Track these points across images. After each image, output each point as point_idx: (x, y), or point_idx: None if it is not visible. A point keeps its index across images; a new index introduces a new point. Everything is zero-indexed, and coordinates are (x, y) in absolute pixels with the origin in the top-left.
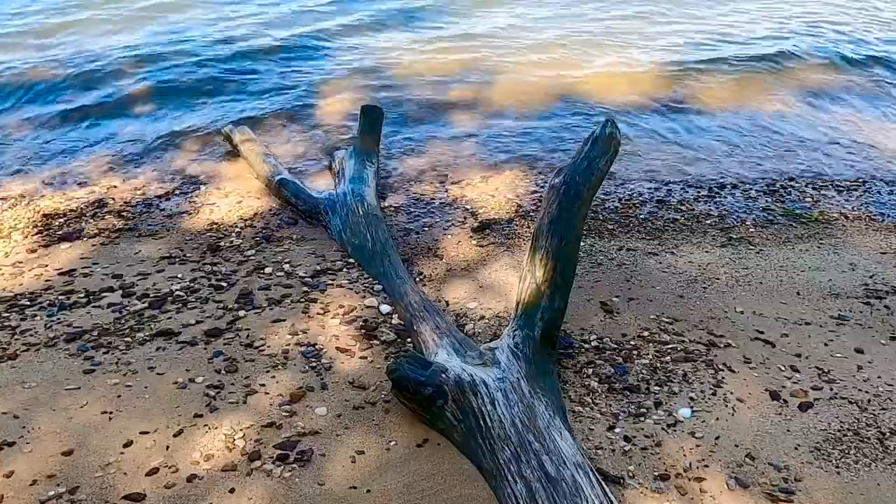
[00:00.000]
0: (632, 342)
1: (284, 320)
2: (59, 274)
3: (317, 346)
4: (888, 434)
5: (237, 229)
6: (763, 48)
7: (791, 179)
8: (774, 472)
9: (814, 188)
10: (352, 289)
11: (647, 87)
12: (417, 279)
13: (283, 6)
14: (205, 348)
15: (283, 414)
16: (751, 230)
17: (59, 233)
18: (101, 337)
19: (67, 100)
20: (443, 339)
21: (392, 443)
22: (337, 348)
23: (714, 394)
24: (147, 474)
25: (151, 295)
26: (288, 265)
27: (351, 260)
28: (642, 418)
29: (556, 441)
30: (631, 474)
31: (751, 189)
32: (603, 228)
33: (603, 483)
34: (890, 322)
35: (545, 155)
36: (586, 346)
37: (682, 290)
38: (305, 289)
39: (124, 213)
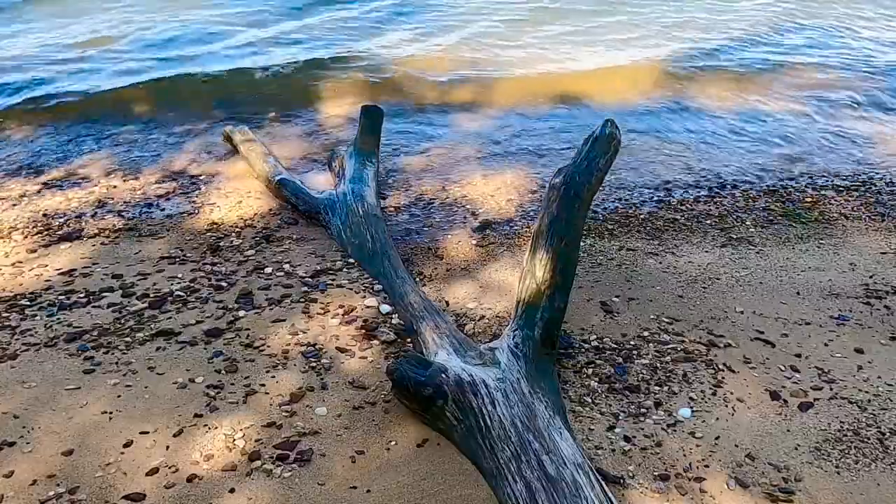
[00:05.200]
0: (632, 342)
1: (284, 320)
2: (59, 274)
3: (317, 346)
4: (888, 434)
5: (237, 229)
6: (763, 48)
7: (791, 179)
8: (774, 472)
9: (814, 188)
10: (352, 289)
11: (647, 86)
12: (417, 279)
13: (283, 6)
14: (205, 348)
15: (283, 414)
16: (751, 230)
17: (59, 233)
18: (101, 337)
19: (67, 99)
20: (443, 338)
21: (392, 443)
22: (337, 348)
23: (714, 394)
24: (147, 474)
25: (151, 295)
26: (288, 265)
27: (351, 260)
28: (642, 418)
29: (556, 441)
30: (631, 474)
31: (751, 189)
32: (603, 228)
33: (603, 483)
34: (890, 322)
35: (545, 155)
36: (586, 346)
37: (682, 290)
38: (305, 289)
39: (124, 213)
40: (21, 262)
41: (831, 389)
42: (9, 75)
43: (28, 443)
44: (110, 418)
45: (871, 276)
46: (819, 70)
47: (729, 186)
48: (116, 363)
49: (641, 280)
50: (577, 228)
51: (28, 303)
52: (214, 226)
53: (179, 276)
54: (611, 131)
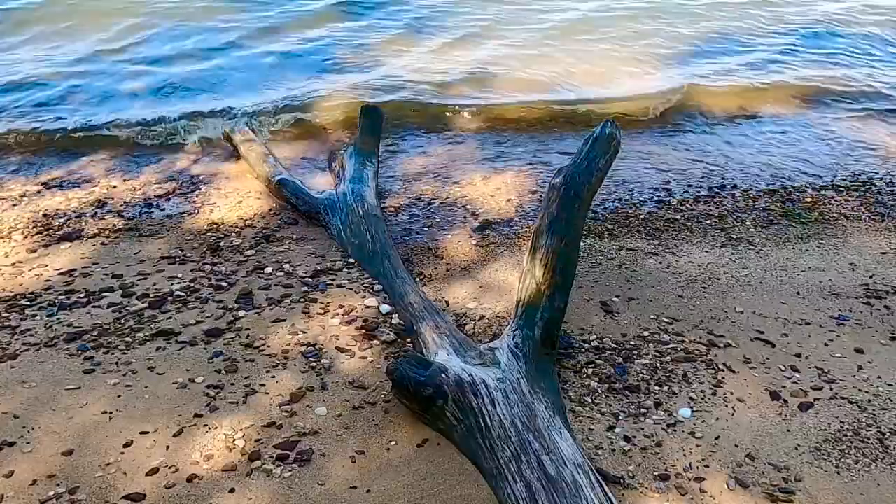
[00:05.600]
0: (632, 342)
1: (284, 320)
2: (59, 274)
3: (317, 346)
4: (888, 434)
5: (237, 229)
6: (764, 48)
7: (791, 179)
8: (774, 472)
9: (814, 188)
10: (352, 289)
11: (647, 87)
12: (417, 279)
13: (284, 8)
14: (205, 348)
15: (283, 414)
16: (751, 230)
17: (59, 233)
18: (101, 337)
19: (66, 99)
20: (443, 338)
21: (392, 443)
22: (337, 348)
23: (714, 394)
24: (147, 474)
25: (151, 295)
26: (288, 265)
27: (351, 260)
28: (642, 418)
29: (556, 441)
30: (631, 474)
31: (751, 189)
32: (603, 228)
33: (603, 483)
34: (890, 322)
35: (545, 155)
36: (586, 346)
37: (682, 290)
38: (305, 289)
39: (124, 213)
40: (21, 262)
41: (831, 389)
42: (8, 76)
43: (28, 443)
44: (110, 418)
45: (871, 276)
46: (821, 71)
47: (729, 186)
48: (116, 363)
49: (641, 280)
50: (577, 228)
51: (28, 303)
52: (214, 226)
53: (179, 276)
54: (611, 131)
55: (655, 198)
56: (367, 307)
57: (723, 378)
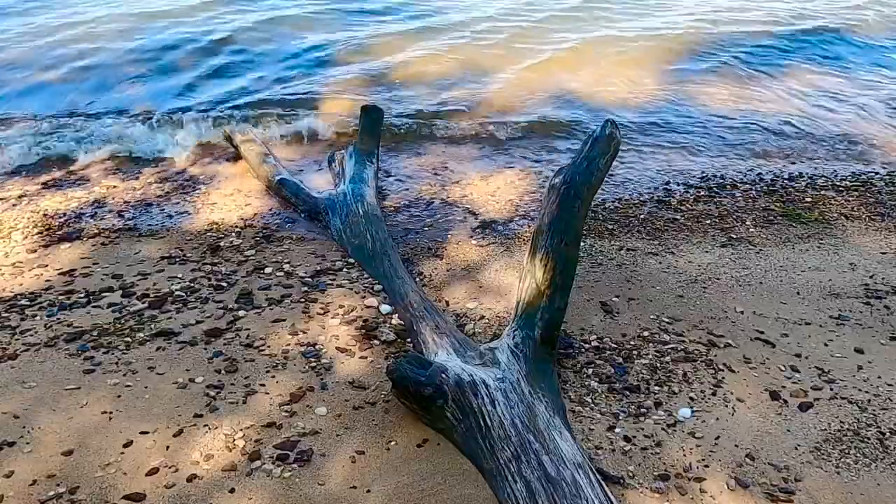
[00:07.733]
0: (632, 342)
1: (284, 320)
2: (59, 274)
3: (317, 346)
4: (888, 434)
5: (237, 229)
6: (762, 45)
7: (791, 179)
8: (774, 472)
9: (814, 188)
10: (352, 289)
11: (647, 86)
12: (417, 279)
13: (284, 9)
14: (205, 348)
15: (283, 414)
16: (751, 230)
17: (59, 233)
18: (101, 337)
19: (66, 100)
20: (443, 338)
21: (392, 443)
22: (337, 348)
23: (714, 394)
24: (147, 474)
25: (151, 295)
26: (288, 265)
27: (351, 260)
28: (642, 418)
29: (556, 441)
30: (631, 474)
31: (751, 189)
32: (603, 228)
33: (603, 483)
34: (890, 322)
35: (545, 155)
36: (586, 346)
37: (682, 290)
38: (305, 289)
39: (124, 213)
40: (21, 262)
41: (831, 389)
42: (8, 76)
43: (28, 443)
44: (110, 418)
45: (871, 276)
46: (821, 70)
47: (729, 186)
48: (116, 363)
49: (641, 280)
50: (577, 228)
51: (28, 303)
52: (214, 226)
53: (179, 276)
54: (610, 131)
55: (655, 198)
56: (367, 307)
57: (723, 378)
